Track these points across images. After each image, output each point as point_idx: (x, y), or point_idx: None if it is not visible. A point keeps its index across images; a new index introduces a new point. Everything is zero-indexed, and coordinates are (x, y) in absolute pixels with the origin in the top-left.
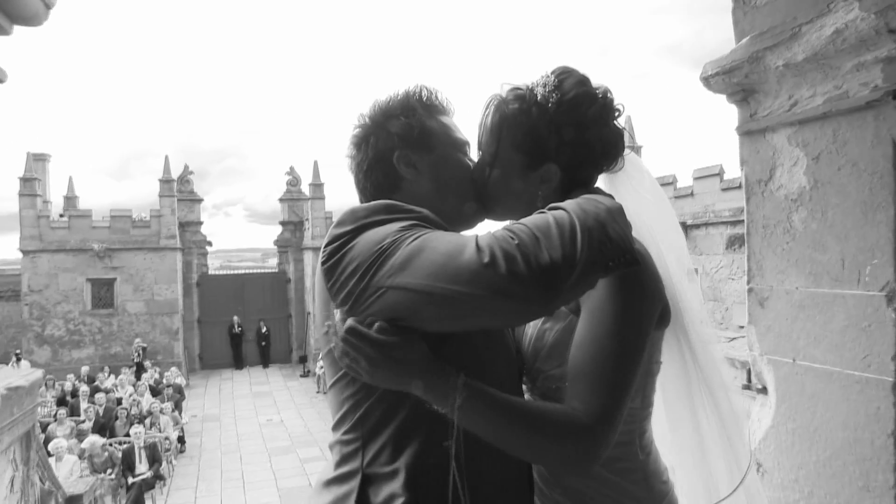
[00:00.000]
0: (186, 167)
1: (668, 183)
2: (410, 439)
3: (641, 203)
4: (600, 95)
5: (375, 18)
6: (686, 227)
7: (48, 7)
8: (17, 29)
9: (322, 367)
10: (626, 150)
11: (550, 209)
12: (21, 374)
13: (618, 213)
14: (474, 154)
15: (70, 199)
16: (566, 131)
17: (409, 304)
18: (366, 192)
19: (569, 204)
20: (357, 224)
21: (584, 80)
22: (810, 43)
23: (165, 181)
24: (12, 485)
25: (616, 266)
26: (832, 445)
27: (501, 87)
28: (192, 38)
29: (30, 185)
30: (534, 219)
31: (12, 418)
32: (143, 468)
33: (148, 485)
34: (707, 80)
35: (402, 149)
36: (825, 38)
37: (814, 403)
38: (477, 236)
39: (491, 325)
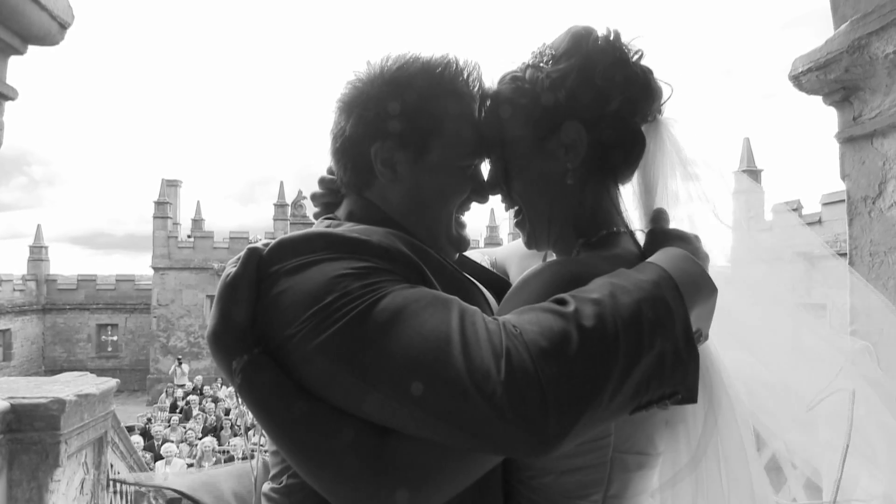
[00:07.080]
0: (300, 192)
1: (791, 210)
2: None
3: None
4: (601, 35)
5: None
6: (813, 258)
7: (63, 27)
8: (38, 49)
9: None
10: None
11: (565, 303)
12: (94, 382)
13: (707, 302)
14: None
15: (197, 222)
16: (567, 77)
17: (358, 396)
18: (336, 173)
19: (608, 290)
20: (290, 263)
21: (586, 29)
22: None
23: (279, 205)
24: (82, 486)
25: (660, 406)
26: None
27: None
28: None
29: (162, 209)
30: (544, 318)
31: (82, 423)
32: None
33: None
34: (797, 79)
35: (385, 140)
36: None
37: None
38: (473, 315)
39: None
